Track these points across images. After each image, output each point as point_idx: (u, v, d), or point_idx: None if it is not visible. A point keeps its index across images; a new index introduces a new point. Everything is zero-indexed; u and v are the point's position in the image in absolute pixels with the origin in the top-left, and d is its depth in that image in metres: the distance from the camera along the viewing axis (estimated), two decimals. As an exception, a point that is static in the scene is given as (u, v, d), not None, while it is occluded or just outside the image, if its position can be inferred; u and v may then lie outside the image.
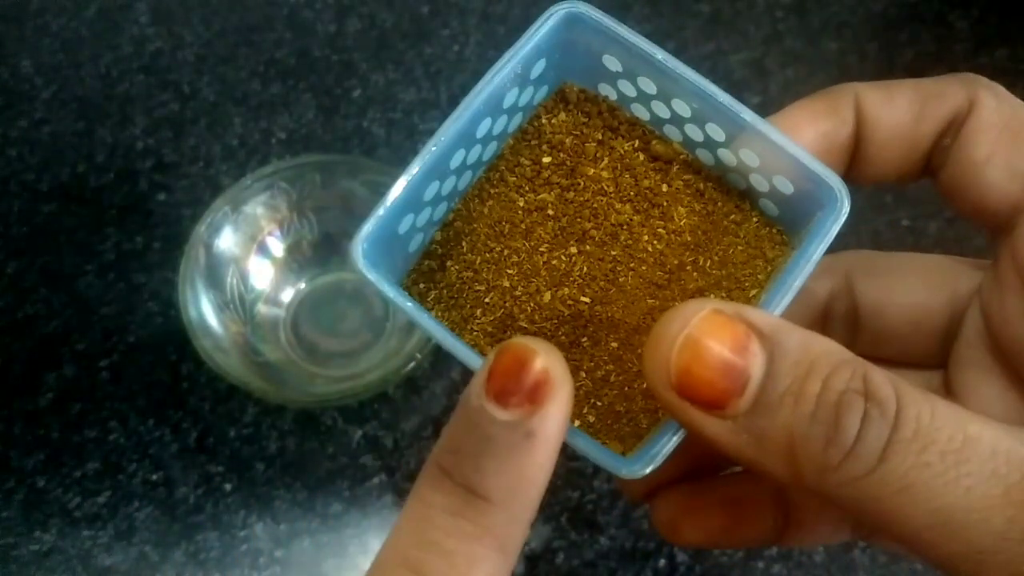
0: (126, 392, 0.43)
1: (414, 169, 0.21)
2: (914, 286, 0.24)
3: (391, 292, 0.20)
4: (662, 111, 0.22)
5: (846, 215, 0.20)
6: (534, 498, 0.18)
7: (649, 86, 0.22)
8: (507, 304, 0.22)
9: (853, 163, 0.23)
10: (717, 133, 0.22)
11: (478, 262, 0.22)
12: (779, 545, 0.25)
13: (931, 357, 0.24)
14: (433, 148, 0.21)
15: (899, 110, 0.22)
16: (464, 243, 0.23)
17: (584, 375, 0.21)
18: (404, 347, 0.41)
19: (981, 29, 0.52)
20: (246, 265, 0.43)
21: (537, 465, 0.18)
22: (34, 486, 0.42)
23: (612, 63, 0.22)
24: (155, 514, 0.41)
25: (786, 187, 0.21)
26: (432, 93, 0.50)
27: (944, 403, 0.17)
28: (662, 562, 0.40)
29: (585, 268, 0.22)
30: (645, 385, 0.21)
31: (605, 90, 0.23)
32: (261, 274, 0.43)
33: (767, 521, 0.24)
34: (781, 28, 0.53)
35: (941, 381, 0.24)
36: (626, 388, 0.21)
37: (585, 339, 0.22)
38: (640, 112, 0.23)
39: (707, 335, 0.17)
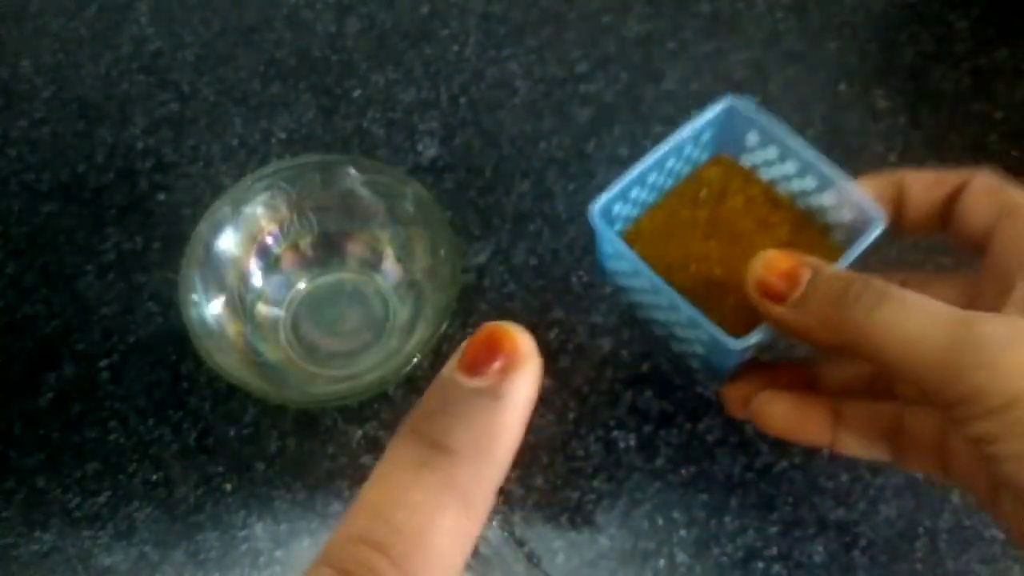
0: (126, 392, 0.43)
1: (634, 170, 0.33)
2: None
3: (616, 240, 0.32)
4: (778, 172, 0.35)
5: (880, 229, 0.32)
6: (500, 458, 0.20)
7: (773, 152, 0.35)
8: (669, 270, 0.33)
9: (896, 219, 0.33)
10: (810, 183, 0.34)
11: (653, 245, 0.35)
12: (832, 448, 0.33)
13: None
14: (647, 161, 0.33)
15: (924, 181, 0.33)
16: (647, 233, 0.35)
17: (712, 315, 0.31)
18: (404, 347, 0.41)
19: (981, 29, 0.52)
20: (246, 265, 0.43)
21: (504, 424, 0.20)
22: (34, 486, 0.42)
23: (752, 138, 0.35)
24: (155, 514, 0.41)
25: (847, 216, 0.33)
26: (432, 93, 0.50)
27: (912, 293, 0.27)
28: (662, 562, 0.40)
29: (718, 254, 0.34)
30: (746, 331, 0.31)
31: (745, 159, 0.36)
32: (261, 274, 0.43)
33: (825, 423, 0.33)
34: (781, 28, 0.53)
35: (964, 284, 0.33)
36: (734, 328, 0.31)
37: (714, 295, 0.33)
38: (765, 174, 0.36)
39: (775, 257, 0.29)
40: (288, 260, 0.44)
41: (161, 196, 0.48)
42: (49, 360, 0.44)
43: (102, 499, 0.41)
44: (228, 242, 0.42)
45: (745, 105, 0.35)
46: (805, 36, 0.52)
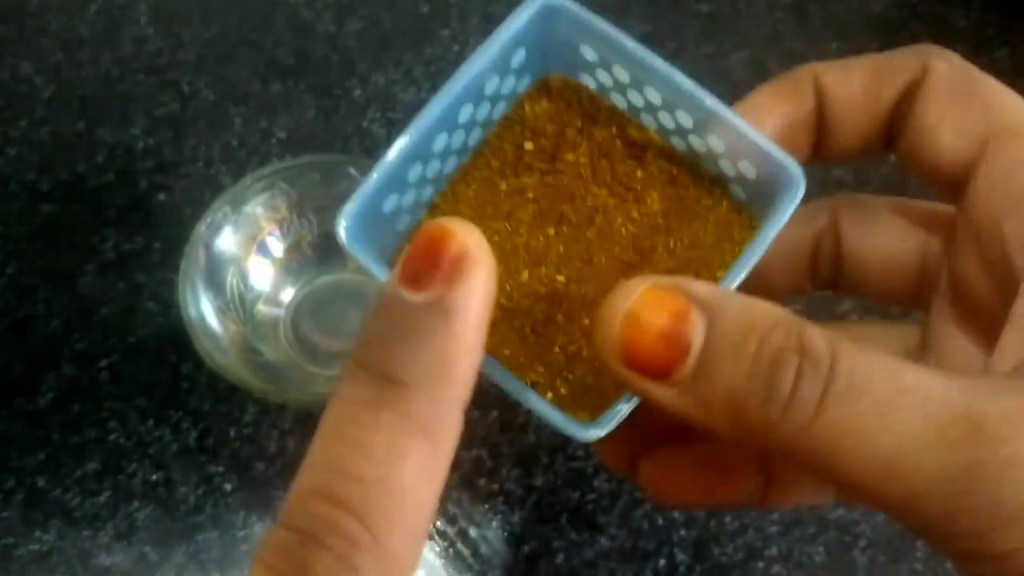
0: (126, 392, 0.43)
1: (394, 150, 0.21)
2: (890, 230, 0.25)
3: (372, 264, 0.22)
4: (637, 99, 0.23)
5: (801, 195, 0.21)
6: (459, 379, 0.17)
7: (623, 75, 0.23)
8: None
9: (818, 141, 0.24)
10: (686, 120, 0.23)
11: None
12: (764, 507, 0.26)
13: (907, 297, 0.25)
14: (413, 131, 0.22)
15: (856, 84, 0.23)
16: None
17: (558, 350, 0.22)
18: (404, 347, 0.41)
19: (981, 29, 0.52)
20: (246, 265, 0.43)
21: (457, 341, 0.17)
22: (34, 486, 0.42)
23: (588, 53, 0.23)
24: (155, 514, 0.41)
25: (750, 171, 0.22)
26: (432, 93, 0.50)
27: (881, 356, 0.17)
28: (662, 562, 0.40)
29: (562, 249, 0.23)
30: None
31: (585, 80, 0.24)
32: (261, 274, 0.43)
33: (750, 481, 0.25)
34: (781, 28, 0.53)
35: (919, 338, 0.25)
36: (597, 363, 0.22)
37: (560, 316, 0.23)
38: (618, 101, 0.24)
39: (647, 308, 0.18)
40: (288, 260, 0.44)
41: (161, 196, 0.48)
42: (49, 360, 0.44)
43: (102, 499, 0.41)
44: (228, 242, 0.42)
45: (567, 5, 0.22)
46: (805, 36, 0.52)
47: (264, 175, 0.42)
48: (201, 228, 0.41)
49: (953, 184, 0.22)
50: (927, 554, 0.40)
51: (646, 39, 0.22)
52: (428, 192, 0.24)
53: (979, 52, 0.51)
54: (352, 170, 0.43)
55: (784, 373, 0.17)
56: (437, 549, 0.40)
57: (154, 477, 0.42)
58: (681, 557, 0.40)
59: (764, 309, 0.18)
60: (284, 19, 0.53)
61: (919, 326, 0.25)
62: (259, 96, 0.51)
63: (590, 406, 0.22)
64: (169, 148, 0.49)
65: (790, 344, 0.17)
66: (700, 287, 0.19)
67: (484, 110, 0.23)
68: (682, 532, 0.40)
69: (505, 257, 0.23)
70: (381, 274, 0.22)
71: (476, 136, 0.24)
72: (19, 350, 0.44)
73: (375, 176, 0.22)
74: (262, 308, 0.43)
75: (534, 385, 0.22)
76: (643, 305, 0.18)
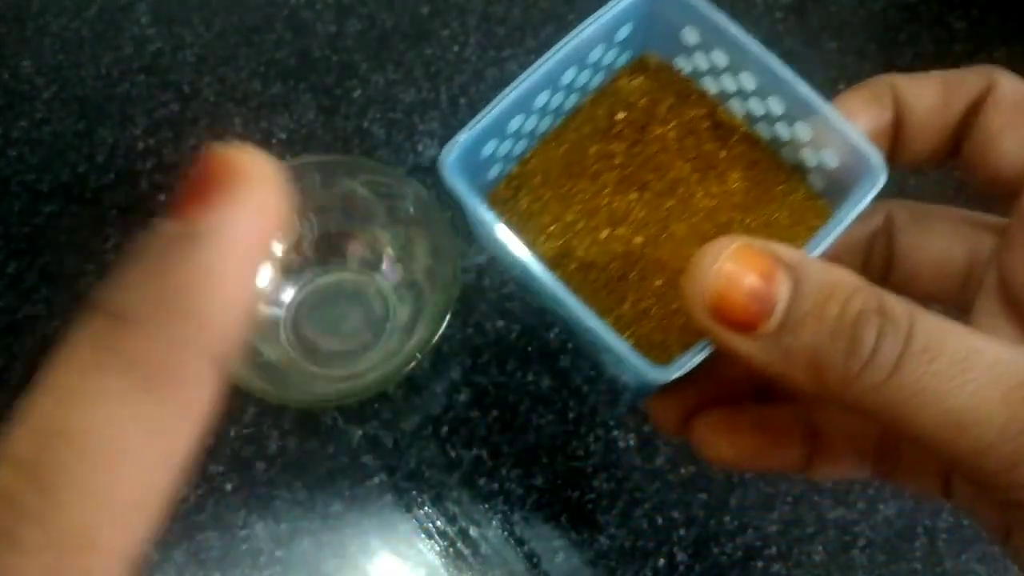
0: (126, 392, 0.43)
1: (503, 98, 0.23)
2: (940, 234, 0.27)
3: (471, 202, 0.22)
4: (730, 85, 0.25)
5: (881, 184, 0.22)
6: (203, 318, 0.14)
7: (721, 59, 0.24)
8: (568, 236, 0.24)
9: (893, 148, 0.25)
10: (777, 107, 0.24)
11: (547, 196, 0.25)
12: (806, 475, 0.26)
13: (952, 296, 0.27)
14: (522, 83, 0.23)
15: (930, 96, 0.24)
16: (538, 178, 0.25)
17: (629, 306, 0.24)
18: (404, 347, 0.41)
19: (981, 29, 0.52)
20: (246, 265, 0.43)
21: (201, 271, 0.14)
22: (34, 486, 0.42)
23: (691, 35, 0.25)
24: (155, 514, 0.41)
25: (832, 160, 0.24)
26: (432, 93, 0.51)
27: (953, 323, 0.19)
28: (662, 561, 0.40)
29: (642, 213, 0.24)
30: (682, 322, 0.23)
31: (681, 63, 0.26)
32: (261, 274, 0.43)
33: (796, 447, 0.26)
34: (781, 28, 0.53)
35: None
36: (664, 321, 0.23)
37: (633, 274, 0.24)
38: (710, 85, 0.25)
39: (737, 265, 0.19)
40: (288, 260, 0.44)
41: (162, 196, 0.48)
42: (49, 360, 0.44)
43: (102, 499, 0.41)
44: (228, 242, 0.42)
45: None
46: (805, 36, 0.52)
47: (264, 175, 0.42)
48: (201, 228, 0.41)
49: (1009, 188, 0.24)
50: (926, 554, 0.40)
51: (723, 13, 0.22)
52: (522, 145, 0.25)
53: (978, 52, 0.51)
54: (352, 170, 0.43)
55: (867, 332, 0.19)
56: (437, 549, 0.40)
57: (154, 477, 0.42)
58: (681, 556, 0.40)
59: (844, 274, 0.20)
60: (284, 19, 0.53)
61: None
62: (259, 96, 0.51)
63: (654, 361, 0.22)
64: (169, 148, 0.49)
65: (871, 306, 0.19)
66: (786, 250, 0.20)
67: (585, 76, 0.25)
68: (682, 532, 0.41)
69: (588, 214, 0.24)
70: (475, 207, 0.22)
71: (573, 100, 0.25)
72: (19, 350, 0.44)
73: (483, 120, 0.23)
74: (262, 308, 0.43)
75: None
76: (735, 261, 0.20)
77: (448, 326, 0.39)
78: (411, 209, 0.43)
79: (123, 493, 0.14)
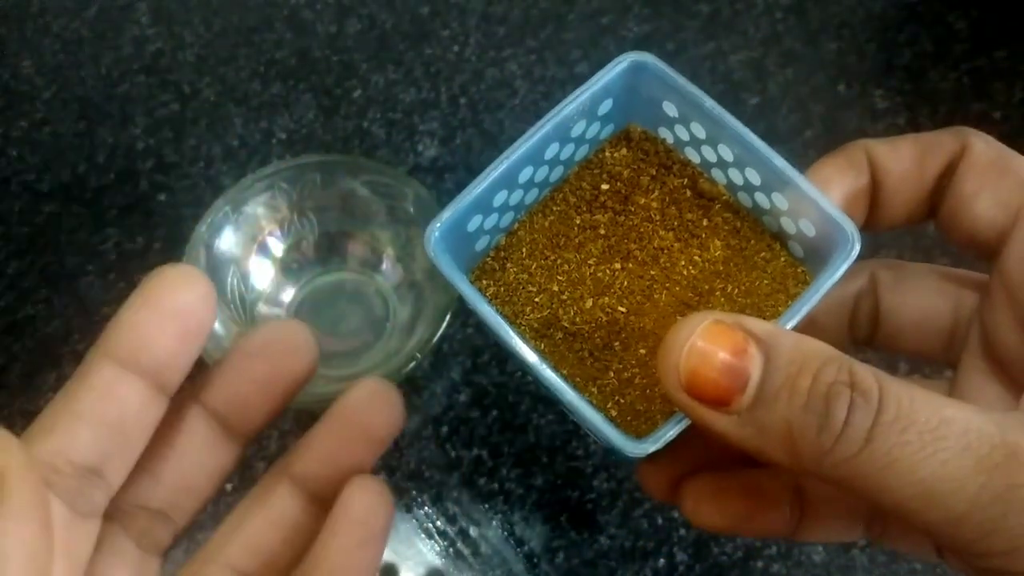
0: (126, 392, 0.43)
1: (487, 176, 0.24)
2: (925, 291, 0.27)
3: (455, 278, 0.23)
4: (710, 155, 0.25)
5: (856, 254, 0.23)
6: None
7: (700, 131, 0.25)
8: (554, 306, 0.25)
9: (872, 211, 0.25)
10: (755, 177, 0.25)
11: (534, 267, 0.25)
12: (795, 539, 0.26)
13: (939, 354, 0.27)
14: (505, 161, 0.24)
15: (905, 160, 0.25)
16: (524, 249, 0.26)
17: (612, 375, 0.24)
18: (404, 347, 0.41)
19: (981, 29, 0.52)
20: (246, 265, 0.43)
21: None
22: (34, 486, 0.42)
23: (670, 109, 0.25)
24: (155, 514, 0.41)
25: (809, 230, 0.24)
26: (432, 93, 0.51)
27: (922, 391, 0.19)
28: (661, 562, 0.40)
29: (626, 282, 0.25)
30: (664, 391, 0.23)
31: (664, 133, 0.26)
32: (261, 274, 0.43)
33: (784, 512, 0.26)
34: (781, 28, 0.53)
35: (947, 388, 0.26)
36: (647, 391, 0.24)
37: (617, 343, 0.24)
38: (692, 155, 0.26)
39: (709, 341, 0.19)
40: (288, 260, 0.44)
41: (162, 196, 0.48)
42: (49, 360, 0.44)
43: (102, 499, 0.41)
44: (228, 242, 0.42)
45: (656, 64, 0.25)
46: (804, 36, 0.52)
47: (264, 175, 0.42)
48: (201, 228, 0.41)
49: (987, 249, 0.24)
50: (926, 554, 0.40)
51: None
52: (508, 217, 0.26)
53: (978, 52, 0.51)
54: (352, 170, 0.43)
55: (838, 405, 0.19)
56: (437, 549, 0.40)
57: (154, 477, 0.42)
58: (681, 556, 0.40)
59: (815, 345, 0.20)
60: (284, 19, 0.53)
61: (947, 382, 0.26)
62: (259, 96, 0.51)
63: (637, 430, 0.23)
64: (169, 148, 0.49)
65: (842, 378, 0.19)
66: (757, 324, 0.20)
67: (568, 150, 0.26)
68: (682, 532, 0.41)
69: (573, 284, 0.25)
70: (460, 283, 0.23)
71: (558, 173, 0.26)
72: (20, 350, 0.44)
73: (467, 197, 0.23)
74: (262, 308, 0.43)
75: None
76: (707, 338, 0.20)
77: (448, 326, 0.39)
78: (411, 209, 0.43)
79: None
